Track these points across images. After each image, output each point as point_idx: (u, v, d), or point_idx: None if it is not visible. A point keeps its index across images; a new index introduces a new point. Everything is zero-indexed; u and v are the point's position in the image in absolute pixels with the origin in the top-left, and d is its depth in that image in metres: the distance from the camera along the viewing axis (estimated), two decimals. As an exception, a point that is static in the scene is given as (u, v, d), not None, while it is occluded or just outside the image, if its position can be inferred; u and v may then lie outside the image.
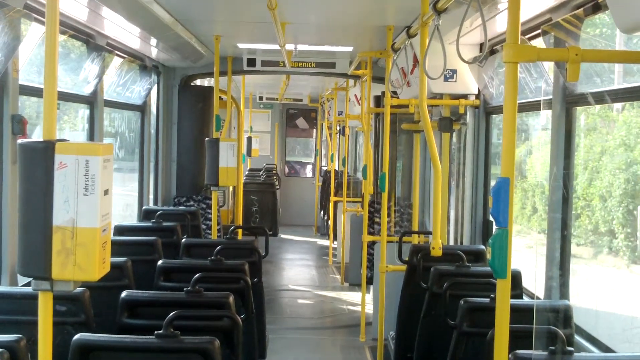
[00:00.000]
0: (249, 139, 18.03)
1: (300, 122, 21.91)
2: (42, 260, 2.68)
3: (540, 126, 7.17)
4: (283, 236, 18.00)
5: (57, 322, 3.13)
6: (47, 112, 2.74)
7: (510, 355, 3.22)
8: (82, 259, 2.69)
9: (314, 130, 21.66)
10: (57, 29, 2.76)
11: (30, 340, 3.18)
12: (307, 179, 21.61)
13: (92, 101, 7.00)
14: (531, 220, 8.16)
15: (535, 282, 5.36)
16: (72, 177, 2.67)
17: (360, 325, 9.14)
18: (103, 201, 2.72)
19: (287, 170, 21.80)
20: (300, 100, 18.93)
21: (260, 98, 18.44)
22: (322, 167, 19.75)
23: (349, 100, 13.45)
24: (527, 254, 7.73)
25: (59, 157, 2.67)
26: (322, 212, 18.27)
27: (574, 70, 3.15)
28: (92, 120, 7.04)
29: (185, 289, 4.32)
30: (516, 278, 5.04)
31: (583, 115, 5.97)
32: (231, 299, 4.26)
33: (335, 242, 14.60)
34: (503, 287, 3.09)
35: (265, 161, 20.38)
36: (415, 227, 8.17)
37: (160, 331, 3.42)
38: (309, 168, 21.92)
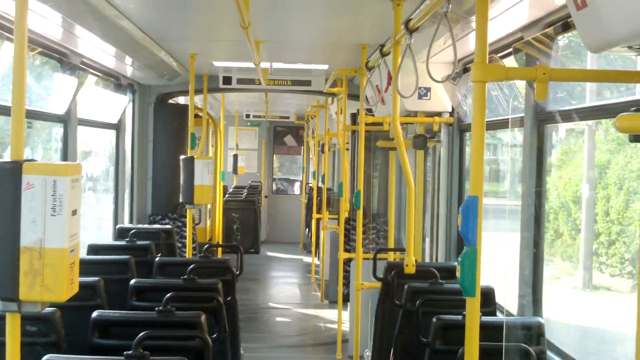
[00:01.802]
0: (235, 157, 18.01)
1: (288, 140, 21.92)
2: (9, 281, 2.66)
3: (509, 143, 7.06)
4: (269, 254, 17.98)
5: (28, 343, 3.11)
6: (14, 131, 2.73)
7: (480, 373, 3.23)
8: (50, 279, 2.67)
9: (302, 147, 21.67)
10: (25, 46, 2.75)
11: None
12: (294, 196, 21.60)
13: (65, 120, 6.97)
14: (553, 245, 7.48)
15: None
16: (39, 197, 2.65)
17: (337, 342, 9.13)
18: (71, 221, 2.70)
19: (274, 187, 21.76)
20: (287, 117, 18.94)
21: (247, 116, 18.44)
22: (308, 185, 19.77)
23: (331, 118, 13.49)
24: (556, 289, 7.11)
25: (27, 178, 2.65)
26: (306, 229, 18.27)
27: (542, 89, 3.19)
28: (65, 139, 7.01)
29: (156, 308, 4.30)
30: (489, 295, 5.06)
31: (612, 129, 5.68)
32: (203, 318, 4.24)
33: (318, 259, 14.60)
34: (473, 305, 3.10)
35: (252, 179, 20.35)
36: (391, 244, 8.18)
37: (130, 352, 3.40)
38: (297, 185, 21.92)
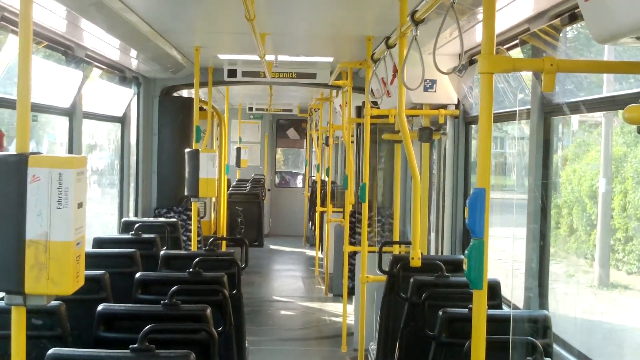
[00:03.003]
0: (238, 150, 17.98)
1: (291, 133, 21.86)
2: (14, 274, 2.65)
3: (516, 136, 6.98)
4: (272, 247, 17.98)
5: (33, 336, 3.11)
6: (20, 124, 2.72)
7: (487, 366, 3.22)
8: (56, 273, 2.66)
9: (305, 140, 21.62)
10: (30, 39, 2.74)
11: (5, 354, 3.15)
12: (297, 189, 21.57)
13: (70, 113, 6.97)
14: (567, 242, 7.30)
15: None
16: (45, 190, 2.64)
17: (342, 336, 9.13)
18: (77, 214, 2.69)
19: (277, 180, 21.75)
20: (291, 110, 18.88)
21: (250, 109, 18.40)
22: (312, 178, 19.76)
23: (335, 111, 13.46)
24: (571, 287, 6.95)
25: (32, 170, 2.64)
26: (310, 223, 18.25)
27: (550, 80, 3.17)
28: (70, 132, 7.00)
29: (162, 301, 4.30)
30: (495, 288, 5.04)
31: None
32: (208, 311, 4.24)
33: (322, 253, 14.58)
34: (479, 298, 3.09)
35: (255, 172, 20.34)
36: (396, 237, 8.17)
37: (135, 345, 3.39)
38: (299, 178, 21.90)
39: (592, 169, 6.83)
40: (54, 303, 3.96)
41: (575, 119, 6.58)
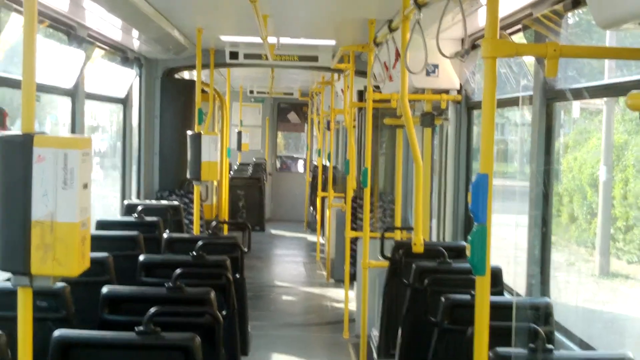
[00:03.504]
0: (239, 134, 17.94)
1: (292, 117, 21.81)
2: (20, 255, 2.66)
3: (519, 122, 6.94)
4: (273, 232, 17.98)
5: (38, 318, 3.11)
6: (25, 104, 2.72)
7: (490, 353, 3.22)
8: (61, 254, 2.67)
9: (306, 124, 21.57)
10: (35, 18, 2.73)
11: (10, 336, 3.16)
12: (298, 174, 21.52)
13: (73, 93, 6.95)
14: (568, 230, 7.26)
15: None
16: (50, 170, 2.64)
17: (344, 322, 9.15)
18: (82, 195, 2.70)
19: (278, 165, 21.72)
20: (292, 94, 18.80)
21: (251, 92, 18.37)
22: (313, 162, 19.75)
23: (336, 95, 13.43)
24: (573, 276, 6.84)
25: (38, 151, 2.64)
26: (311, 208, 18.24)
27: (553, 65, 3.16)
28: (73, 112, 6.99)
29: (166, 284, 4.30)
30: (497, 274, 5.05)
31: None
32: (212, 295, 4.24)
33: (323, 238, 14.58)
34: (483, 283, 3.09)
35: (256, 156, 20.30)
36: (398, 223, 8.17)
37: (141, 327, 3.40)
38: (300, 163, 21.86)
39: (593, 157, 6.81)
40: (58, 285, 3.97)
41: (576, 106, 6.56)
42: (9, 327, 3.16)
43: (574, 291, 6.05)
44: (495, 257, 5.13)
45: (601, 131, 6.82)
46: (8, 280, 2.93)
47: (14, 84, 5.35)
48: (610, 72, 4.93)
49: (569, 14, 4.61)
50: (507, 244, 7.10)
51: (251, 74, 14.59)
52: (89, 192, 2.77)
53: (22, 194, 2.64)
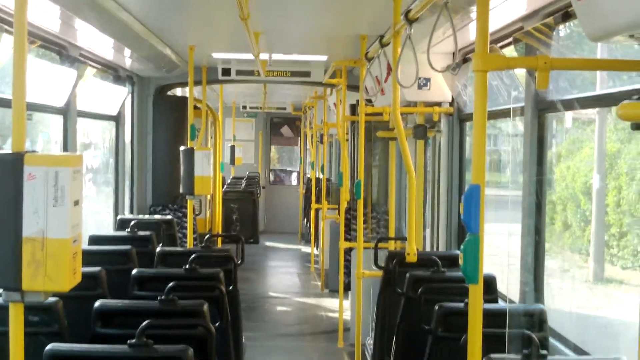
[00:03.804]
0: (232, 148, 17.98)
1: (285, 131, 21.91)
2: (12, 271, 2.67)
3: (511, 133, 6.98)
4: (267, 244, 18.01)
5: (31, 332, 3.13)
6: (15, 123, 2.73)
7: (484, 359, 3.24)
8: (53, 270, 2.68)
9: (299, 138, 21.66)
10: (25, 39, 2.76)
11: (2, 350, 3.17)
12: (292, 186, 21.62)
13: (65, 112, 6.97)
14: (562, 237, 7.23)
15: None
16: (41, 188, 2.66)
17: (339, 331, 9.16)
18: (73, 212, 2.71)
19: (272, 178, 21.79)
20: (284, 108, 18.90)
21: (244, 107, 18.44)
22: (306, 175, 19.79)
23: (329, 109, 13.48)
24: (566, 282, 6.87)
25: (28, 169, 2.66)
26: (305, 220, 18.28)
27: (544, 78, 3.20)
28: (65, 130, 7.01)
29: (159, 297, 4.31)
30: (490, 283, 5.08)
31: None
32: (205, 307, 4.25)
33: (317, 249, 14.60)
34: (475, 292, 3.11)
35: (250, 170, 20.36)
36: (392, 234, 8.19)
37: (133, 340, 3.41)
38: (294, 176, 21.95)
39: (586, 166, 6.86)
40: (50, 299, 3.98)
41: (568, 116, 6.60)
42: (1, 342, 3.17)
43: (568, 297, 6.07)
44: (490, 265, 5.16)
45: (594, 140, 6.86)
46: (-1, 295, 2.94)
47: (5, 103, 5.37)
48: (602, 83, 4.97)
49: (560, 27, 4.65)
50: (501, 252, 7.11)
51: (244, 89, 14.64)
52: (80, 209, 2.78)
53: (13, 212, 2.66)
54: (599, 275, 6.30)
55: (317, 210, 14.40)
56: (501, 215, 6.56)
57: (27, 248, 2.67)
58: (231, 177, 18.71)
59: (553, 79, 4.85)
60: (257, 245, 16.66)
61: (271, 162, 22.24)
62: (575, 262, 6.62)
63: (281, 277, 14.27)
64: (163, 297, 4.30)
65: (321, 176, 14.25)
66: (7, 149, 2.75)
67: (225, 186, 16.36)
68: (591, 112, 6.61)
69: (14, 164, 2.65)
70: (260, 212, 18.36)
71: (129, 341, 3.42)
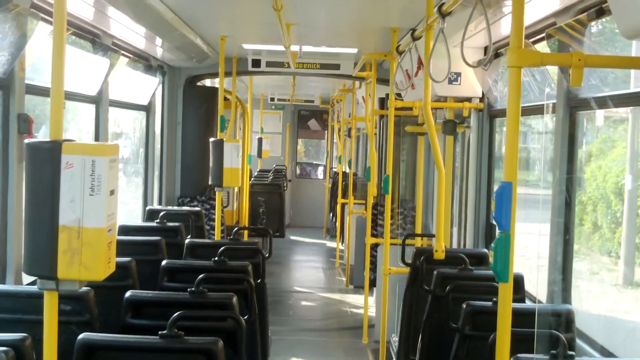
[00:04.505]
0: (260, 140, 18.02)
1: (312, 124, 21.91)
2: (48, 259, 2.70)
3: (543, 130, 6.89)
4: (292, 237, 18.04)
5: (62, 322, 3.15)
6: (54, 111, 2.76)
7: (511, 359, 3.23)
8: (88, 258, 2.71)
9: (326, 131, 21.64)
10: (64, 28, 2.78)
11: (35, 339, 3.20)
12: (318, 180, 21.63)
13: (97, 101, 7.03)
14: (591, 239, 7.07)
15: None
16: (78, 177, 2.68)
17: (363, 327, 9.16)
18: (109, 201, 2.73)
19: (298, 171, 21.80)
20: (312, 101, 18.90)
21: (272, 99, 18.45)
22: (332, 169, 19.76)
23: (357, 103, 13.45)
24: (595, 285, 6.77)
25: (66, 157, 2.68)
26: (331, 214, 18.29)
27: (577, 75, 3.17)
28: (97, 119, 7.06)
29: (189, 289, 4.34)
30: (518, 282, 5.05)
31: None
32: (234, 300, 4.27)
33: (343, 244, 14.61)
34: (505, 290, 3.10)
35: (276, 162, 20.37)
36: (419, 230, 8.17)
37: (164, 331, 3.44)
38: (320, 170, 21.94)
39: (618, 166, 6.77)
40: (82, 289, 4.02)
41: (600, 114, 6.52)
42: (34, 330, 3.21)
43: (597, 300, 6.01)
44: (518, 265, 5.13)
45: (626, 139, 6.77)
46: (32, 283, 2.97)
47: (40, 91, 5.42)
48: (637, 82, 4.91)
49: (592, 23, 4.61)
50: (530, 253, 7.03)
51: (272, 81, 14.67)
52: (115, 198, 2.80)
53: (50, 200, 2.68)
54: (629, 279, 6.24)
55: (343, 205, 14.40)
56: (530, 214, 6.51)
57: (63, 236, 2.69)
58: (257, 170, 18.74)
59: (585, 76, 4.82)
60: (283, 239, 16.70)
61: (298, 155, 22.26)
62: (605, 264, 6.53)
63: (306, 272, 14.29)
64: (193, 288, 4.33)
65: (348, 170, 14.22)
66: (42, 137, 2.77)
67: (252, 179, 16.40)
68: (623, 111, 6.53)
69: (52, 152, 2.67)
70: (286, 206, 18.38)
71: (160, 332, 3.44)
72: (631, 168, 6.30)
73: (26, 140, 2.80)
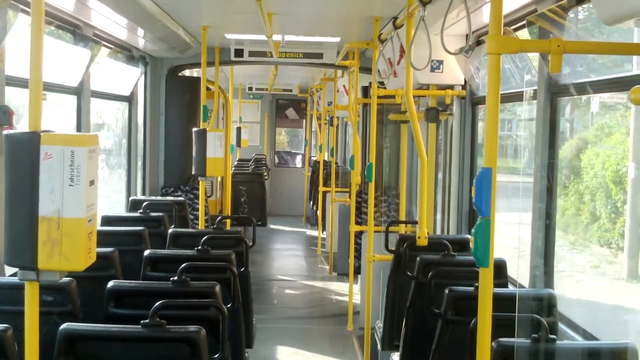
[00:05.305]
0: (239, 130, 18.00)
1: (290, 113, 21.92)
2: (28, 250, 2.70)
3: (523, 117, 6.87)
4: (272, 226, 18.05)
5: (44, 312, 3.15)
6: (32, 102, 2.75)
7: (493, 343, 3.26)
8: (68, 249, 2.71)
9: (304, 120, 21.67)
10: (42, 19, 2.77)
11: (17, 329, 3.20)
12: (296, 169, 21.67)
13: (79, 92, 7.00)
14: (590, 229, 6.84)
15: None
16: (57, 167, 2.68)
17: (348, 314, 9.19)
18: (89, 192, 2.73)
19: (276, 160, 21.82)
20: (290, 90, 18.92)
21: (250, 88, 18.44)
22: (312, 158, 19.78)
23: (337, 91, 13.46)
24: (597, 279, 6.63)
25: (45, 148, 2.68)
26: (311, 203, 18.32)
27: (557, 61, 3.18)
28: (78, 111, 7.04)
29: (171, 278, 4.34)
30: (500, 267, 5.08)
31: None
32: (217, 288, 4.28)
33: (324, 232, 14.64)
34: (486, 275, 3.12)
35: (255, 152, 20.37)
36: (403, 217, 8.20)
37: (147, 320, 3.44)
38: (298, 158, 21.98)
39: (618, 153, 6.66)
40: (64, 279, 4.01)
41: (597, 100, 6.47)
42: (15, 321, 3.21)
43: (604, 297, 5.98)
44: (505, 255, 5.15)
45: (624, 126, 6.67)
46: (14, 275, 2.97)
47: (20, 83, 5.39)
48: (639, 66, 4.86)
49: (579, 8, 4.62)
50: (516, 242, 6.98)
51: (252, 71, 14.64)
52: (95, 189, 2.81)
53: (29, 191, 2.68)
54: (633, 272, 6.16)
55: (324, 193, 14.41)
56: (521, 203, 6.45)
57: (43, 227, 2.69)
58: (237, 159, 18.73)
59: (570, 63, 4.84)
60: (264, 228, 16.73)
61: (281, 145, 22.25)
62: (605, 257, 6.47)
63: (288, 260, 14.33)
64: (176, 278, 4.33)
65: (329, 159, 14.24)
66: (21, 129, 2.77)
67: (232, 168, 16.40)
68: (621, 97, 6.40)
69: (31, 143, 2.67)
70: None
71: (142, 321, 3.45)
72: (634, 155, 6.14)
73: (5, 132, 2.79)
